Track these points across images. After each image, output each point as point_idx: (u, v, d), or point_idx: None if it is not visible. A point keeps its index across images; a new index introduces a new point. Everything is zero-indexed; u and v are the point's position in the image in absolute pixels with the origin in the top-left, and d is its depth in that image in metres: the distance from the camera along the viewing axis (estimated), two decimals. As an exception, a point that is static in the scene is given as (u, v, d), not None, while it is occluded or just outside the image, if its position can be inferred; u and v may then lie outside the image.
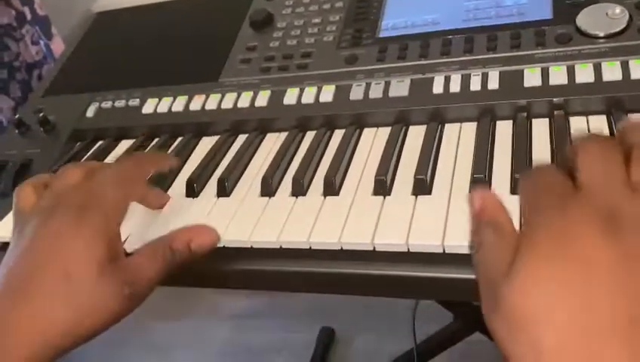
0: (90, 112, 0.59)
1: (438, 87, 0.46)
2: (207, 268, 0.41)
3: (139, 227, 0.44)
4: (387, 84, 0.49)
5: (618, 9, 0.45)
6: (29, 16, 1.16)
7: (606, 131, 0.40)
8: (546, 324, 0.22)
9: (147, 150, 0.54)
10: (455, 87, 0.46)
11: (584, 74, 0.43)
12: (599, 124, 0.41)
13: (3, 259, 0.36)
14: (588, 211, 0.24)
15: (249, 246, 0.40)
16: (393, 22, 0.54)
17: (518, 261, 0.24)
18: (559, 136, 0.41)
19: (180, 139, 0.54)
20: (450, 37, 0.50)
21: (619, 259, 0.22)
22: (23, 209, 0.38)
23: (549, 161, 0.39)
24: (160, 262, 0.36)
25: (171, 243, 0.36)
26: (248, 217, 0.42)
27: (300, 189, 0.43)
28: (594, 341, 0.21)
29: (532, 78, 0.44)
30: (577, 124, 0.42)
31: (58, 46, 1.25)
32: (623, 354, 0.21)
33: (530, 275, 0.23)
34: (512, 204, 0.36)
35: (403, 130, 0.46)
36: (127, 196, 0.38)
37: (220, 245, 0.41)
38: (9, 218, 0.47)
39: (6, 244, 0.38)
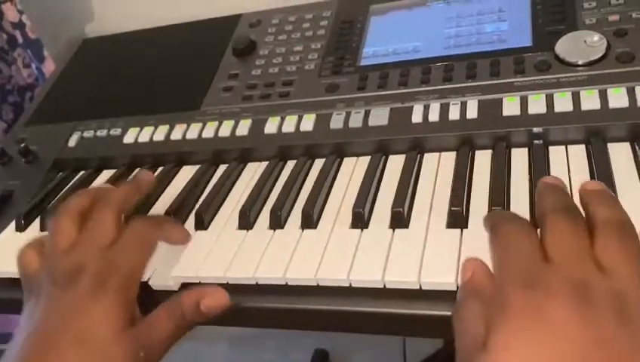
0: (72, 142, 0.58)
1: (417, 117, 0.46)
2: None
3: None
4: (367, 113, 0.48)
5: (596, 37, 0.45)
6: (20, 40, 1.17)
7: (584, 161, 0.40)
8: None
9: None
10: (434, 116, 0.46)
11: (563, 103, 0.43)
12: (578, 153, 0.41)
13: (19, 325, 0.36)
14: (559, 285, 0.25)
15: (225, 282, 0.39)
16: (374, 49, 0.54)
17: (493, 335, 0.25)
18: (538, 166, 0.40)
19: (160, 168, 0.54)
20: (430, 65, 0.50)
21: (591, 338, 0.23)
22: (31, 274, 0.38)
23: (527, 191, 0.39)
24: (172, 323, 0.36)
25: (182, 304, 0.37)
26: (225, 252, 0.41)
27: (277, 222, 0.42)
28: None
29: (511, 106, 0.44)
30: (556, 154, 0.41)
31: (50, 68, 1.25)
32: None
33: (504, 349, 0.24)
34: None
35: (382, 160, 0.46)
36: (145, 262, 0.38)
37: (196, 281, 0.40)
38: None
39: None
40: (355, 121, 0.48)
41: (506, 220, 0.30)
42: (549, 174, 0.40)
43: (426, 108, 0.46)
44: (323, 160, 0.48)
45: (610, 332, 0.23)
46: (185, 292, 0.38)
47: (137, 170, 0.52)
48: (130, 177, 0.46)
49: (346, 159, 0.48)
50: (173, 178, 0.52)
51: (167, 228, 0.42)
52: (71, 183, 0.55)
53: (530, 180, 0.40)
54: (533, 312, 0.25)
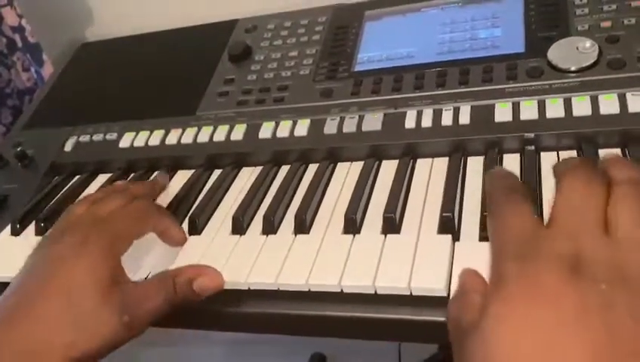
0: (68, 146, 0.59)
1: (410, 122, 0.46)
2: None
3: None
4: (361, 118, 0.48)
5: (588, 43, 0.45)
6: (19, 44, 1.17)
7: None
8: None
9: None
10: (427, 121, 0.46)
11: (554, 109, 0.43)
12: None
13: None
14: (550, 255, 0.24)
15: (217, 287, 0.40)
16: (369, 55, 0.54)
17: (486, 308, 0.24)
18: (529, 172, 0.40)
19: (156, 173, 0.54)
20: (423, 71, 0.50)
21: (585, 309, 0.22)
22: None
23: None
24: (162, 295, 0.36)
25: (175, 278, 0.37)
26: (218, 257, 0.41)
27: (270, 228, 0.43)
28: None
29: (503, 112, 0.44)
30: (548, 160, 0.42)
31: (49, 72, 1.26)
32: None
33: (499, 326, 0.24)
34: (482, 245, 0.36)
35: (375, 165, 0.46)
36: (134, 230, 0.39)
37: (189, 286, 0.40)
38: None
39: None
40: (349, 127, 0.48)
41: (501, 190, 0.29)
42: (540, 180, 0.40)
43: (419, 113, 0.47)
44: (317, 165, 0.48)
45: (605, 304, 0.22)
46: (179, 267, 0.38)
47: (156, 172, 0.53)
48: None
49: (339, 164, 0.48)
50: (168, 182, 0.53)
51: (166, 220, 0.42)
52: (67, 187, 0.56)
53: (522, 186, 0.40)
54: (524, 284, 0.24)
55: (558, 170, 0.28)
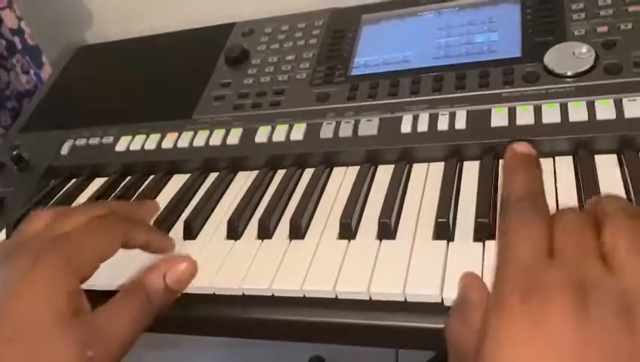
0: (64, 150, 0.59)
1: (406, 127, 0.46)
2: (168, 313, 0.40)
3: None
4: (357, 123, 0.48)
5: (585, 48, 0.45)
6: (19, 46, 1.17)
7: (571, 172, 0.40)
8: None
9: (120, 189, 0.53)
10: (423, 126, 0.46)
11: (551, 114, 0.43)
12: (565, 164, 0.41)
13: None
14: (557, 289, 0.24)
15: (212, 292, 0.40)
16: (365, 59, 0.54)
17: (487, 343, 0.24)
18: (525, 178, 0.40)
19: (152, 177, 0.54)
20: (420, 75, 0.50)
21: (584, 341, 0.22)
22: None
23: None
24: (135, 310, 0.32)
25: (145, 284, 0.33)
26: (213, 262, 0.41)
27: (265, 232, 0.42)
28: None
29: (499, 117, 0.44)
30: (544, 165, 0.41)
31: (49, 75, 1.26)
32: None
33: (500, 357, 0.23)
34: (475, 252, 0.36)
35: (371, 170, 0.46)
36: (96, 250, 0.34)
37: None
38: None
39: None
40: (345, 131, 0.48)
41: (515, 201, 0.29)
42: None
43: (415, 118, 0.46)
44: (313, 169, 0.48)
45: (612, 341, 0.22)
46: (145, 272, 0.34)
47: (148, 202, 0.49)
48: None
49: (335, 169, 0.48)
50: (164, 186, 0.53)
51: (147, 235, 0.38)
52: (63, 191, 0.56)
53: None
54: (528, 320, 0.23)
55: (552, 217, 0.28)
